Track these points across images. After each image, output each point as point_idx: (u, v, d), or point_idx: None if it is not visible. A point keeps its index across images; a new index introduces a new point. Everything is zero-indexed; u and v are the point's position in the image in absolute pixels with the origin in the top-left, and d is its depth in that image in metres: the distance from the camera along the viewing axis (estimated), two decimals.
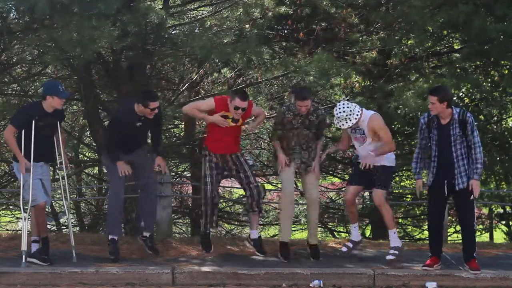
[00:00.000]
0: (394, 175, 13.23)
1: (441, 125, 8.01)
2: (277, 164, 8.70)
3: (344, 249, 8.68)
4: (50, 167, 8.66)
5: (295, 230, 16.82)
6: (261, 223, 16.73)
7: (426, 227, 14.51)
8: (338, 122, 8.22)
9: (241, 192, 8.85)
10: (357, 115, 8.17)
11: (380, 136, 8.27)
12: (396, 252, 8.44)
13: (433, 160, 8.12)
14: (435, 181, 8.13)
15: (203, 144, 8.81)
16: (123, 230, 11.57)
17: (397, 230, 15.66)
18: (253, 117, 8.85)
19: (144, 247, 8.77)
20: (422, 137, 8.20)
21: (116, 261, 8.35)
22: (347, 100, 13.08)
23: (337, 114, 8.19)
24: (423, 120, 8.15)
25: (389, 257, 8.44)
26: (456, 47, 13.15)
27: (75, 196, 15.48)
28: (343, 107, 8.18)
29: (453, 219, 15.11)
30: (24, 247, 8.11)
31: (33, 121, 8.11)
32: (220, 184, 12.43)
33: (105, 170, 12.05)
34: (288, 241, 8.73)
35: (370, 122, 8.25)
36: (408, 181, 15.42)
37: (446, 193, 8.10)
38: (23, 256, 8.08)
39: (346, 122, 8.17)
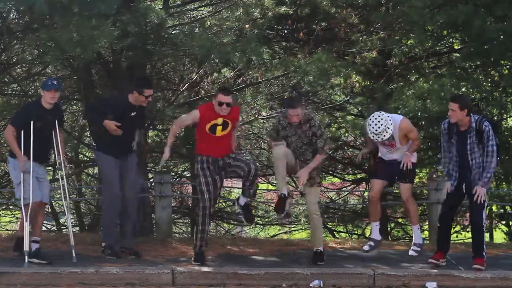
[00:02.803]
0: None
1: (460, 131, 8.21)
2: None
3: (367, 247, 8.72)
4: (50, 167, 8.68)
5: (295, 230, 16.80)
6: (261, 223, 16.71)
7: (426, 226, 14.50)
8: (378, 136, 8.20)
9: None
10: (391, 122, 8.22)
11: (410, 137, 8.39)
12: (419, 249, 8.59)
13: (455, 164, 8.32)
14: (456, 181, 8.34)
15: (196, 151, 8.68)
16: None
17: (396, 229, 15.78)
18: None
19: (126, 255, 8.73)
20: (444, 141, 8.39)
21: (120, 257, 8.50)
22: (348, 100, 13.11)
23: (375, 130, 8.16)
24: (444, 126, 8.36)
25: (411, 252, 8.57)
26: (456, 47, 13.13)
27: (75, 196, 15.47)
28: (378, 120, 8.17)
29: (453, 220, 15.09)
30: (26, 247, 8.12)
31: (32, 122, 8.14)
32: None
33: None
34: (286, 194, 8.45)
35: (402, 128, 8.34)
36: None
37: (463, 193, 8.31)
38: (25, 257, 8.09)
39: (387, 132, 8.20)
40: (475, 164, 8.19)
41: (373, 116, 8.26)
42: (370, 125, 8.21)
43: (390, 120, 8.23)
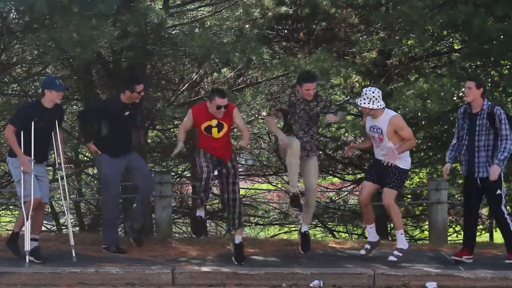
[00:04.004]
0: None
1: (472, 114, 8.30)
2: (279, 146, 8.59)
3: (363, 251, 8.70)
4: (49, 167, 8.70)
5: (295, 230, 16.81)
6: (261, 223, 16.72)
7: (426, 227, 14.51)
8: (361, 99, 8.28)
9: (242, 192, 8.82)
10: (380, 105, 8.26)
11: (402, 135, 8.35)
12: (400, 254, 8.44)
13: (463, 149, 8.37)
14: (467, 172, 8.39)
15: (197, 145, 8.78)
16: (121, 230, 11.59)
17: None
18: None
19: (128, 236, 8.95)
20: (458, 127, 8.47)
21: (125, 252, 8.67)
22: (348, 100, 13.10)
23: (365, 92, 8.28)
24: (460, 110, 8.49)
25: (391, 258, 8.43)
26: (456, 47, 13.16)
27: (75, 196, 15.47)
28: (374, 91, 8.29)
29: (453, 219, 15.11)
30: (27, 247, 8.12)
31: (33, 122, 8.15)
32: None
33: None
34: (298, 191, 8.49)
35: (391, 123, 8.32)
36: (407, 181, 15.39)
37: (478, 184, 8.30)
38: (27, 257, 8.09)
39: (369, 103, 8.24)
40: (481, 147, 8.22)
41: (374, 88, 8.40)
42: (365, 89, 8.36)
43: (381, 104, 8.26)
